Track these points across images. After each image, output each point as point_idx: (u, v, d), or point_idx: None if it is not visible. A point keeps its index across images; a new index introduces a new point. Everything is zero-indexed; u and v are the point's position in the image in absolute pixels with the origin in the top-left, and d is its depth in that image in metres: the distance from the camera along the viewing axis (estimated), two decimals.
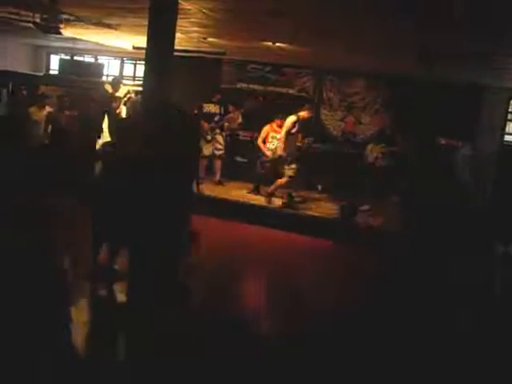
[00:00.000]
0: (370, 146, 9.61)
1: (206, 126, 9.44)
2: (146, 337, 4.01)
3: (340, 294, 5.51)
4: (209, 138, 9.48)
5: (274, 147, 8.81)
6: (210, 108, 9.57)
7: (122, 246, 5.04)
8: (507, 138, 10.55)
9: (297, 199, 8.71)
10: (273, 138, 8.96)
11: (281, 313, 4.94)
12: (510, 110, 10.51)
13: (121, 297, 4.85)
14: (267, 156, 8.94)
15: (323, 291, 5.54)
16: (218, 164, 9.82)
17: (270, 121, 9.15)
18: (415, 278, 6.12)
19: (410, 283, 5.97)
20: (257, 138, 9.31)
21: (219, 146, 9.63)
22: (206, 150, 9.42)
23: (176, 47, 5.04)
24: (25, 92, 10.10)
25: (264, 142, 9.07)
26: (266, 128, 9.10)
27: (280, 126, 8.87)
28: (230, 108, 9.88)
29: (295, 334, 4.42)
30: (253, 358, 3.87)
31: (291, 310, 4.94)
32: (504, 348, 4.59)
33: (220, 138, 9.64)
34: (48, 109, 9.14)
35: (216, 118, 9.55)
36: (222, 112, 9.65)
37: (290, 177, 8.32)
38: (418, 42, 6.49)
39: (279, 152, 8.46)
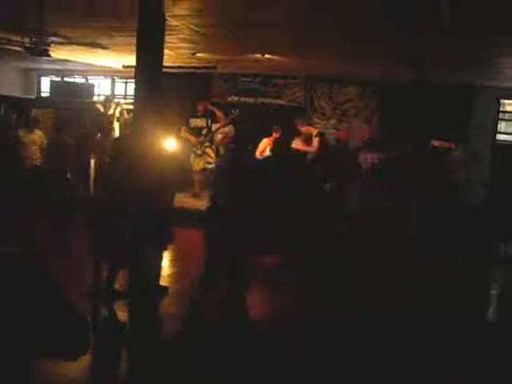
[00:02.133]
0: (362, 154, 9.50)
1: (194, 140, 9.40)
2: None
3: None
4: (199, 152, 9.44)
5: None
6: (197, 122, 9.52)
7: (121, 267, 5.02)
8: (499, 137, 10.59)
9: None
10: (270, 151, 9.00)
11: None
12: (500, 109, 10.57)
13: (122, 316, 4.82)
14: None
15: None
16: None
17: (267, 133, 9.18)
18: None
19: None
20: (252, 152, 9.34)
21: (210, 160, 9.55)
22: (198, 165, 9.40)
23: (166, 64, 5.06)
24: (15, 115, 10.14)
25: (261, 154, 9.09)
26: (265, 141, 9.13)
27: None
28: (220, 120, 9.73)
29: None
30: None
31: None
32: None
33: (210, 151, 9.52)
34: (38, 132, 9.16)
35: (204, 132, 9.49)
36: (210, 125, 9.56)
37: None
38: (407, 46, 6.55)
39: None
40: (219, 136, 9.77)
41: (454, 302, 5.64)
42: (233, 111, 9.44)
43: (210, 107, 9.59)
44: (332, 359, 4.24)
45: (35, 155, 9.06)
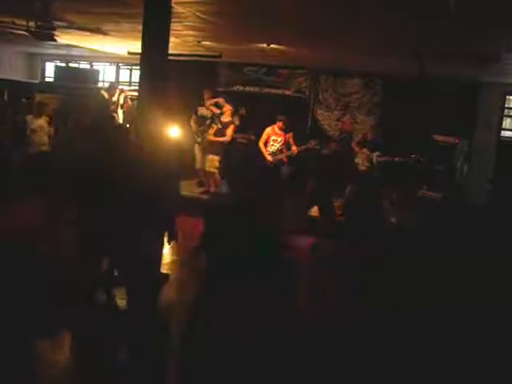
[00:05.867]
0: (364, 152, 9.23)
1: (195, 128, 9.44)
2: None
3: None
4: (199, 140, 9.40)
5: (275, 150, 8.71)
6: (203, 111, 9.51)
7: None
8: (504, 133, 10.54)
9: None
10: (274, 141, 8.81)
11: None
12: (506, 105, 10.51)
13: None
14: (268, 159, 8.80)
15: None
16: None
17: (271, 123, 9.07)
18: None
19: None
20: (255, 141, 9.27)
21: None
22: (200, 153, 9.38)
23: (171, 51, 5.05)
24: (22, 100, 10.10)
25: (265, 144, 8.92)
26: (268, 130, 8.91)
27: (281, 129, 8.72)
28: (225, 108, 9.59)
29: None
30: None
31: None
32: None
33: None
34: (45, 118, 9.12)
35: (207, 122, 9.42)
36: (214, 117, 9.42)
37: None
38: (412, 41, 6.51)
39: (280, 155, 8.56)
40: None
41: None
42: (240, 109, 9.35)
43: (220, 101, 9.44)
44: None
45: (43, 141, 9.03)
